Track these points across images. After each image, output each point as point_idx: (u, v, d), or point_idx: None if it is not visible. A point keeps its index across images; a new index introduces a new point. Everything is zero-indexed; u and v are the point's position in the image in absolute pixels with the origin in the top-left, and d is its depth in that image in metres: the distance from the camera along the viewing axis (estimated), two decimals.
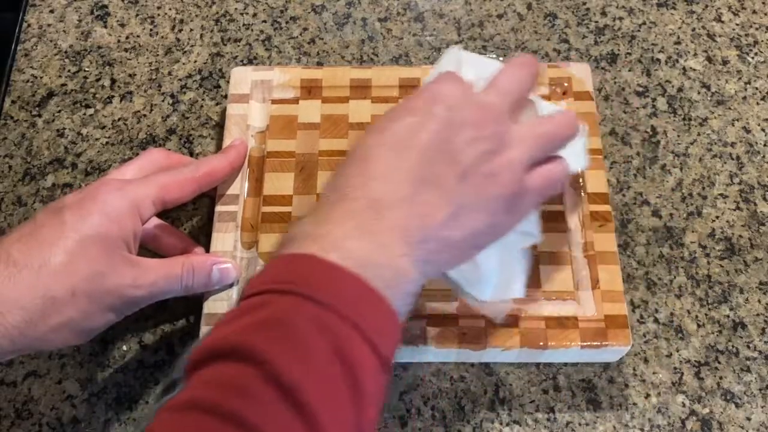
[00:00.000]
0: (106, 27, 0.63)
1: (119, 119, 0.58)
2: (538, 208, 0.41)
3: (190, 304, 0.51)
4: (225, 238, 0.49)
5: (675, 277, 0.51)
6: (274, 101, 0.54)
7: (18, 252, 0.38)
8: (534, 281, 0.47)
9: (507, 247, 0.41)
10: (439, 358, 0.48)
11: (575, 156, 0.43)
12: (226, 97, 0.55)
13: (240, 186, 0.51)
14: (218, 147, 0.54)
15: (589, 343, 0.45)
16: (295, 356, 0.30)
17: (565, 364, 0.48)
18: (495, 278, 0.41)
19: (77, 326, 0.40)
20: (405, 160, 0.36)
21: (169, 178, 0.45)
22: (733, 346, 0.49)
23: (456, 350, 0.46)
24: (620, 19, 0.62)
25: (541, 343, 0.45)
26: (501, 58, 0.59)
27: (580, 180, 0.50)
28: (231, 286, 0.47)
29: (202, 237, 0.53)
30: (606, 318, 0.46)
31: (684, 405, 0.47)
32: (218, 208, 0.50)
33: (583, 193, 0.50)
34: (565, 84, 0.54)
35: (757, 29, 0.61)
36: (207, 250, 0.51)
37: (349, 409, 0.31)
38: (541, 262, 0.48)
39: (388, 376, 0.34)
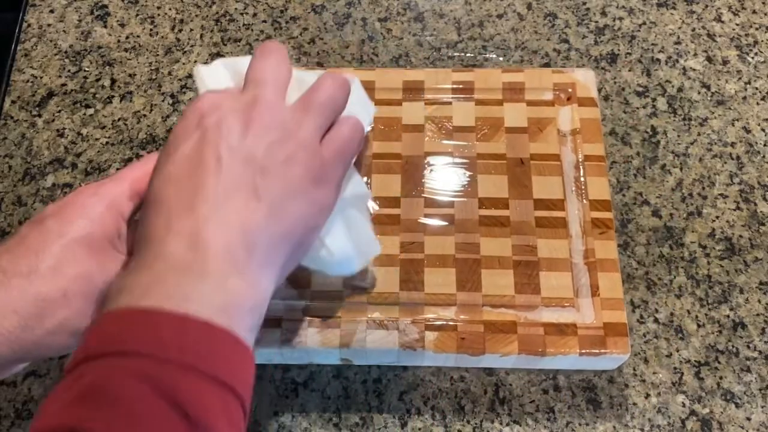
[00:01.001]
0: (106, 27, 0.63)
1: (119, 119, 0.58)
2: (348, 167, 0.42)
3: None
4: None
5: (675, 277, 0.51)
6: None
7: (6, 262, 0.39)
8: (533, 288, 0.47)
9: (345, 215, 0.42)
10: (437, 362, 0.48)
11: (360, 106, 0.43)
12: None
13: None
14: None
15: (587, 351, 0.45)
16: (124, 425, 0.28)
17: None
18: (351, 250, 0.42)
19: (73, 327, 0.39)
20: (200, 187, 0.35)
21: (139, 169, 0.44)
22: (733, 346, 0.49)
23: (454, 355, 0.46)
24: (620, 19, 0.62)
25: (540, 350, 0.45)
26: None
27: (582, 186, 0.50)
28: None
29: None
30: (605, 326, 0.45)
31: (684, 405, 0.47)
32: None
33: (584, 200, 0.50)
34: (569, 90, 0.53)
35: (757, 29, 0.61)
36: None
37: None
38: (541, 269, 0.48)
39: (247, 404, 0.32)
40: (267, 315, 0.36)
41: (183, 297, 0.32)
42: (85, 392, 0.29)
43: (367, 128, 0.44)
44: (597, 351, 0.45)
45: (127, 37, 0.62)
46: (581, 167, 0.51)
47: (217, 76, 0.44)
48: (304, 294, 0.47)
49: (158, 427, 0.28)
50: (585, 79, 0.54)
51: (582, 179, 0.50)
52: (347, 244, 0.42)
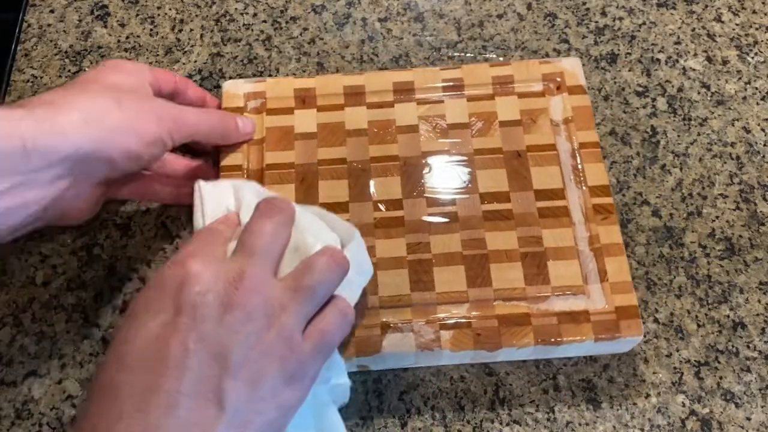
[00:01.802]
0: (106, 27, 0.63)
1: None
2: (327, 358, 0.38)
3: None
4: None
5: (675, 277, 0.51)
6: (268, 112, 0.54)
7: (60, 89, 0.43)
8: (543, 278, 0.47)
9: (319, 404, 0.38)
10: (454, 360, 0.48)
11: (355, 271, 0.40)
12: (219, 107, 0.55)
13: None
14: (217, 150, 0.54)
15: (602, 336, 0.45)
16: None
17: (565, 364, 0.48)
18: None
19: (134, 128, 0.42)
20: (157, 382, 0.31)
21: (159, 69, 0.50)
22: (733, 346, 0.49)
23: (472, 352, 0.46)
24: (620, 19, 0.62)
25: (555, 339, 0.45)
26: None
27: (581, 174, 0.51)
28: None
29: None
30: (617, 309, 0.46)
31: (684, 405, 0.48)
32: None
33: (584, 187, 0.50)
34: (558, 79, 0.54)
35: (757, 29, 0.61)
36: None
37: None
38: (548, 258, 0.48)
39: None
40: None
41: None
42: None
43: (358, 295, 0.41)
44: (611, 335, 0.45)
45: (127, 37, 0.62)
46: (578, 155, 0.51)
47: (218, 195, 0.41)
48: None
49: None
50: (572, 68, 0.54)
51: (579, 166, 0.51)
52: None
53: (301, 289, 0.36)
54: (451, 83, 0.54)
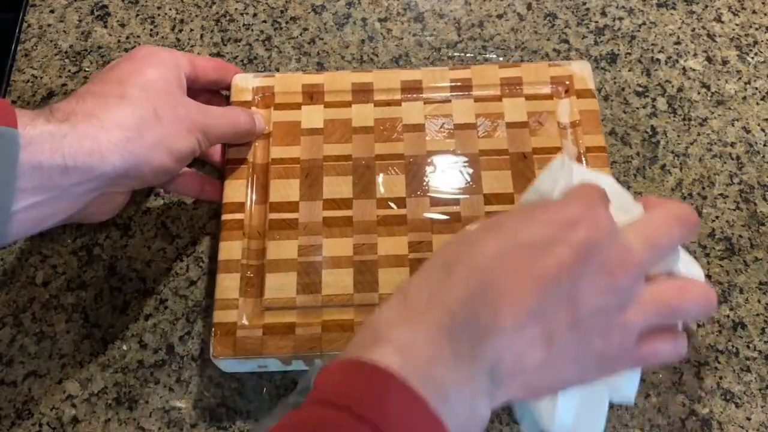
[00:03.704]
0: (106, 27, 0.63)
1: None
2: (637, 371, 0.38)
3: (189, 304, 0.51)
4: (232, 247, 0.49)
5: None
6: (276, 107, 0.54)
7: (98, 89, 0.44)
8: None
9: (594, 394, 0.37)
10: None
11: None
12: (227, 98, 0.55)
13: (246, 194, 0.51)
14: (221, 150, 0.54)
15: None
16: None
17: None
18: (570, 419, 0.37)
19: (169, 145, 0.44)
20: (521, 281, 0.32)
21: (200, 56, 0.52)
22: (733, 346, 0.49)
23: None
24: (620, 19, 0.62)
25: None
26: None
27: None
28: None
29: (205, 241, 0.53)
30: None
31: (684, 405, 0.48)
32: (224, 217, 0.50)
33: None
34: (567, 82, 0.54)
35: (757, 29, 0.61)
36: (211, 256, 0.51)
37: None
38: None
39: None
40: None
41: (444, 394, 0.30)
42: None
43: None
44: None
45: (127, 38, 0.62)
46: (583, 159, 0.51)
47: (574, 177, 0.39)
48: (317, 300, 0.47)
49: None
50: (582, 71, 0.54)
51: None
52: (573, 410, 0.37)
53: (662, 304, 0.35)
54: (459, 83, 0.54)
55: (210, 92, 0.55)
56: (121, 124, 0.42)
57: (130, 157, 0.42)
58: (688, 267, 0.38)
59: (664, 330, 0.36)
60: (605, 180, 0.39)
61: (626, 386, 0.38)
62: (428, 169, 0.51)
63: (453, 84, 0.54)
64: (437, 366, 0.31)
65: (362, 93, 0.54)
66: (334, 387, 0.31)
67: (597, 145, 0.51)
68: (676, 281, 0.36)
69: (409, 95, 0.54)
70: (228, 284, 0.47)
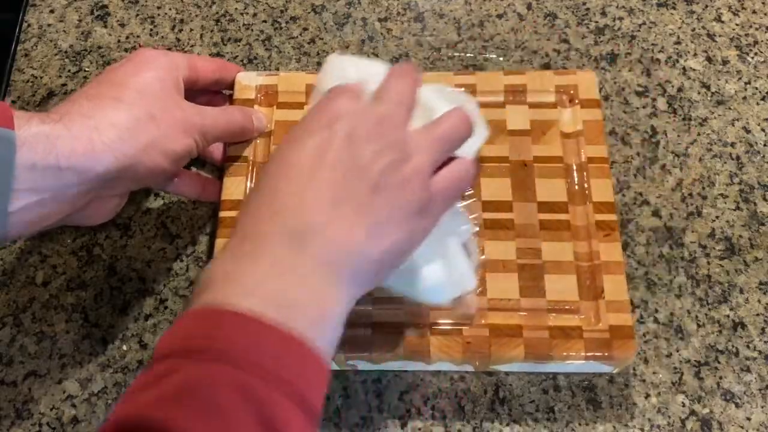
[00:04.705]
0: (106, 27, 0.63)
1: None
2: (453, 205, 0.42)
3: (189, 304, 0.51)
4: None
5: (675, 277, 0.51)
6: (279, 106, 0.54)
7: (94, 91, 0.44)
8: (539, 291, 0.47)
9: (442, 243, 0.42)
10: (442, 367, 0.48)
11: (471, 140, 0.43)
12: (229, 97, 0.55)
13: (244, 191, 0.50)
14: (222, 149, 0.54)
15: (593, 354, 0.45)
16: (212, 429, 0.29)
17: None
18: (443, 279, 0.42)
19: (163, 146, 0.44)
20: (315, 184, 0.36)
21: (197, 56, 0.52)
22: (733, 346, 0.49)
23: (460, 360, 0.46)
24: (620, 19, 0.62)
25: (546, 354, 0.45)
26: (492, 57, 0.59)
27: (586, 189, 0.50)
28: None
29: (205, 241, 0.53)
30: (611, 328, 0.45)
31: (684, 405, 0.47)
32: (222, 214, 0.50)
33: (588, 203, 0.49)
34: (572, 91, 0.53)
35: (757, 29, 0.61)
36: (210, 254, 0.51)
37: None
38: (545, 272, 0.47)
39: (317, 427, 0.33)
40: None
41: (285, 305, 0.33)
42: (178, 391, 0.30)
43: (473, 154, 0.43)
44: (603, 354, 0.45)
45: (127, 37, 0.62)
46: (585, 169, 0.50)
47: (343, 72, 0.44)
48: None
49: None
50: (587, 81, 0.54)
51: (586, 181, 0.50)
52: (440, 272, 0.42)
53: (434, 137, 0.39)
54: (463, 88, 0.54)
55: (211, 92, 0.55)
56: (116, 125, 0.42)
57: (124, 158, 0.42)
58: (448, 103, 0.42)
59: (449, 159, 0.40)
60: (375, 65, 0.44)
61: (461, 223, 0.44)
62: None
63: (457, 89, 0.54)
64: (269, 283, 0.33)
65: None
66: (180, 336, 0.33)
67: (599, 156, 0.51)
68: (435, 120, 0.41)
69: None
70: None
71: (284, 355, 0.32)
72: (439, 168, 0.40)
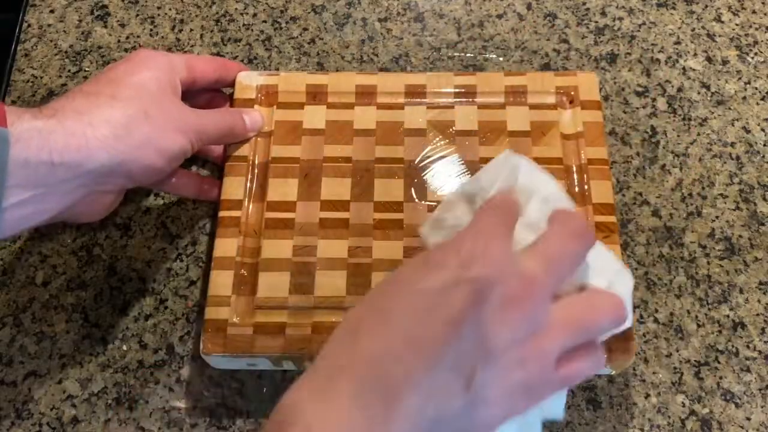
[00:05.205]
0: (106, 27, 0.63)
1: None
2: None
3: (189, 304, 0.51)
4: (227, 244, 0.49)
5: (675, 277, 0.51)
6: (279, 106, 0.54)
7: (90, 88, 0.44)
8: None
9: (527, 422, 0.36)
10: None
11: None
12: (231, 95, 0.55)
13: (243, 191, 0.51)
14: (221, 149, 0.54)
15: None
16: None
17: None
18: None
19: (158, 144, 0.44)
20: (424, 333, 0.31)
21: (197, 57, 0.53)
22: (733, 346, 0.49)
23: None
24: (620, 19, 0.62)
25: None
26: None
27: (586, 191, 0.50)
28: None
29: (204, 241, 0.53)
30: None
31: (684, 405, 0.48)
32: (221, 213, 0.50)
33: (588, 204, 0.49)
34: (572, 93, 0.53)
35: (757, 29, 0.61)
36: (209, 255, 0.51)
37: None
38: None
39: None
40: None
41: None
42: None
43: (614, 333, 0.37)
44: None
45: (127, 37, 0.62)
46: (585, 171, 0.50)
47: (519, 175, 0.37)
48: (309, 301, 0.47)
49: None
50: (588, 83, 0.54)
51: (585, 183, 0.50)
52: None
53: (575, 325, 0.34)
54: (464, 89, 0.54)
55: (212, 91, 0.55)
56: (110, 121, 0.42)
57: (118, 154, 0.42)
58: (602, 273, 0.37)
59: (581, 347, 0.35)
60: (545, 185, 0.38)
61: (554, 404, 0.37)
62: (427, 175, 0.51)
63: (457, 90, 0.54)
64: None
65: (365, 95, 0.54)
66: None
67: (599, 158, 0.51)
68: (583, 297, 0.35)
69: (412, 99, 0.54)
70: (221, 281, 0.47)
71: None
72: (569, 353, 0.34)
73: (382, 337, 0.32)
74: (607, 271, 0.37)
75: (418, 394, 0.30)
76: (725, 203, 0.54)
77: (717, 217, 0.54)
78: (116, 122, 0.43)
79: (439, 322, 0.31)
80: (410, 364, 0.31)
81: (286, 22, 0.62)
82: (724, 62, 0.60)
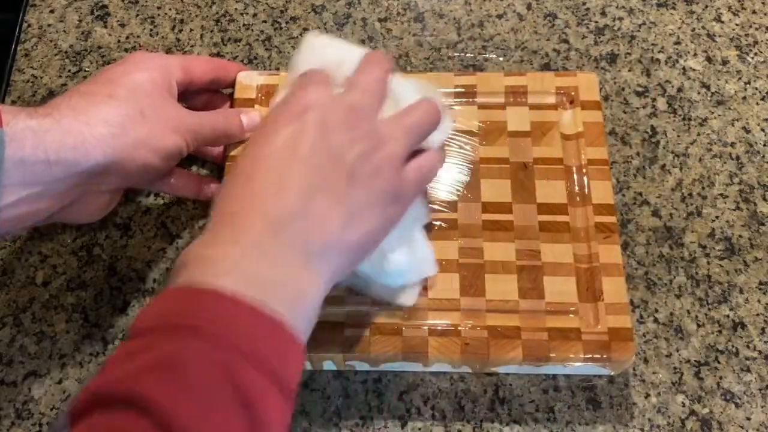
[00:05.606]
0: (106, 27, 0.63)
1: None
2: (420, 193, 0.44)
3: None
4: None
5: (675, 277, 0.51)
6: None
7: (87, 88, 0.45)
8: (537, 292, 0.47)
9: (405, 231, 0.44)
10: (440, 369, 0.48)
11: (438, 131, 0.44)
12: (231, 95, 0.55)
13: None
14: (220, 149, 0.54)
15: (591, 356, 0.45)
16: (189, 403, 0.29)
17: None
18: (407, 264, 0.44)
19: (153, 143, 0.45)
20: (291, 172, 0.37)
21: (191, 57, 0.54)
22: (733, 346, 0.49)
23: (458, 361, 0.46)
24: (620, 19, 0.62)
25: (544, 355, 0.45)
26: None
27: (586, 191, 0.50)
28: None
29: None
30: (609, 330, 0.45)
31: (684, 405, 0.48)
32: None
33: (588, 204, 0.49)
34: (572, 93, 0.53)
35: (757, 29, 0.61)
36: None
37: None
38: (545, 273, 0.47)
39: (293, 405, 0.33)
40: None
41: (261, 284, 0.34)
42: (156, 366, 0.30)
43: (442, 139, 0.45)
44: (601, 356, 0.45)
45: (127, 37, 0.62)
46: (585, 171, 0.50)
47: (320, 53, 0.46)
48: None
49: (222, 414, 0.29)
50: (588, 82, 0.53)
51: (586, 183, 0.50)
52: (404, 256, 0.43)
53: (405, 126, 0.41)
54: (464, 89, 0.54)
55: (210, 92, 0.55)
56: (106, 120, 0.43)
57: (113, 153, 0.43)
58: (413, 95, 0.44)
59: (420, 151, 0.42)
60: (351, 48, 0.46)
61: (420, 211, 0.46)
62: None
63: (458, 90, 0.54)
64: (246, 264, 0.34)
65: None
66: (158, 313, 0.33)
67: (599, 158, 0.51)
68: (402, 111, 0.42)
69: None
70: None
71: (260, 334, 0.32)
72: (409, 158, 0.41)
73: (248, 186, 0.37)
74: (416, 92, 0.45)
75: (300, 221, 0.36)
76: (725, 203, 0.54)
77: (717, 217, 0.54)
78: (113, 121, 0.43)
79: (296, 158, 0.37)
80: (283, 198, 0.36)
81: (286, 22, 0.62)
82: (724, 62, 0.60)
